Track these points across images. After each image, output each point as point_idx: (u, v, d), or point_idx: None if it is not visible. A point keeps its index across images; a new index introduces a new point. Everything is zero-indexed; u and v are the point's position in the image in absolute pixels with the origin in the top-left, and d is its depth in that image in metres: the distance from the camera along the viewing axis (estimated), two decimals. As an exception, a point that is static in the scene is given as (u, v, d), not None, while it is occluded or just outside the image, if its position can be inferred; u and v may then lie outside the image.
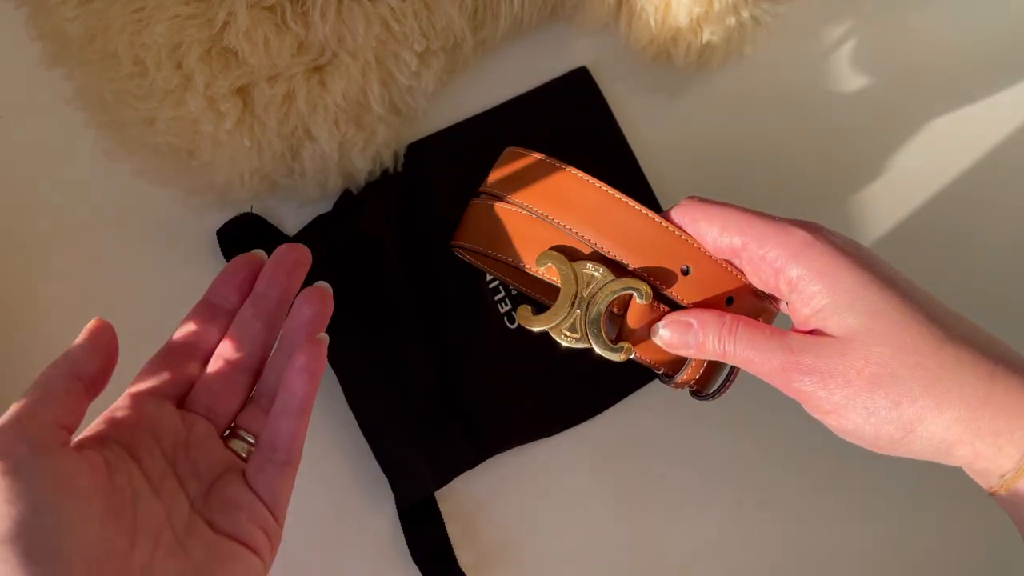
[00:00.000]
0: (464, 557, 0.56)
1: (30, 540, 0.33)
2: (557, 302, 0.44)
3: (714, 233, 0.43)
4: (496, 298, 0.59)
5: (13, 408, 0.36)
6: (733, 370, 0.48)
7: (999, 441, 0.39)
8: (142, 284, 0.59)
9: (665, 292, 0.44)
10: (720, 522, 0.59)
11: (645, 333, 0.45)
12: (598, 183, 0.45)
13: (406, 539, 0.56)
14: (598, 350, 0.45)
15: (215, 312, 0.45)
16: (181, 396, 0.44)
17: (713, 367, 0.47)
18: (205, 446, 0.43)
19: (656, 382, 0.57)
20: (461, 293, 0.59)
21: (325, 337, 0.44)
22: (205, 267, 0.59)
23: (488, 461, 0.57)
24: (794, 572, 0.59)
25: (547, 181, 0.46)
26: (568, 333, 0.45)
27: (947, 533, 0.60)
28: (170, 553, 0.38)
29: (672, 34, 0.60)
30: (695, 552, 0.59)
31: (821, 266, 0.41)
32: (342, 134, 0.56)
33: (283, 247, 0.46)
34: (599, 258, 0.45)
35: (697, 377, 0.46)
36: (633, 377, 0.59)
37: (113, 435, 0.40)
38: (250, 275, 0.46)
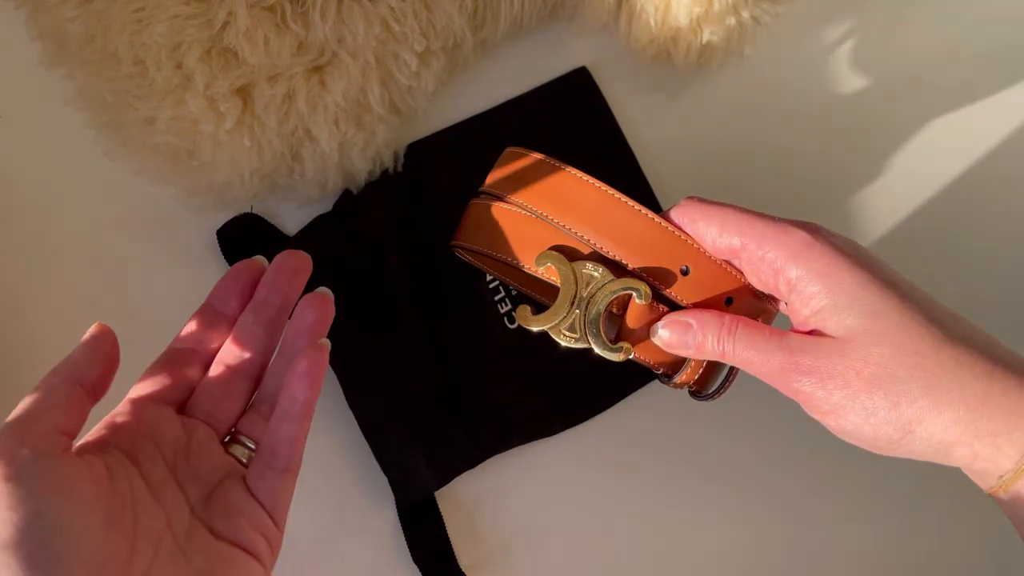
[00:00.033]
0: (464, 557, 0.56)
1: (32, 546, 0.33)
2: (556, 302, 0.44)
3: (713, 233, 0.43)
4: (496, 298, 0.59)
5: (14, 413, 0.36)
6: (732, 370, 0.48)
7: (997, 441, 0.39)
8: (142, 284, 0.59)
9: (664, 292, 0.44)
10: (719, 522, 0.59)
11: (644, 333, 0.45)
12: (598, 183, 0.45)
13: (406, 539, 0.56)
14: (597, 350, 0.45)
15: (216, 318, 0.46)
16: (182, 402, 0.44)
17: (712, 367, 0.47)
18: (206, 452, 0.43)
19: (656, 382, 0.57)
20: (461, 293, 0.59)
21: (327, 343, 0.44)
22: (205, 267, 0.59)
23: (488, 461, 0.57)
24: (793, 572, 0.59)
25: (547, 181, 0.46)
26: (567, 333, 0.45)
27: (946, 534, 0.60)
28: (171, 559, 0.38)
29: (672, 34, 0.60)
30: (695, 552, 0.59)
31: (820, 267, 0.41)
32: (342, 134, 0.56)
33: (284, 253, 0.46)
34: (598, 258, 0.45)
35: (696, 377, 0.46)
36: (633, 377, 0.59)
37: (114, 440, 0.40)
38: (251, 281, 0.46)
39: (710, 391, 0.48)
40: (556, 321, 0.45)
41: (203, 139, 0.55)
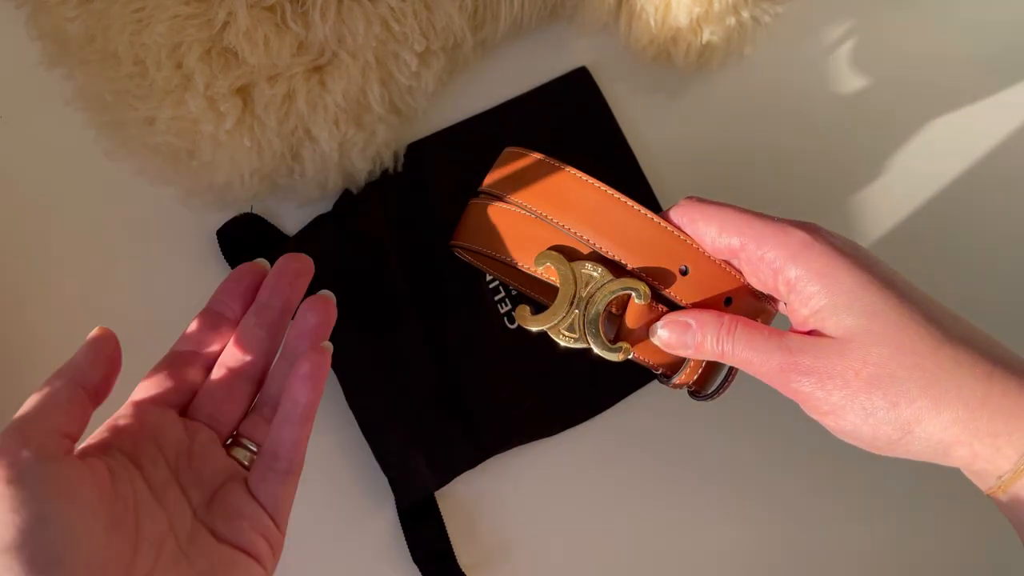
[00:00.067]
0: (464, 557, 0.56)
1: (34, 548, 0.33)
2: (555, 302, 0.44)
3: (713, 233, 0.43)
4: (496, 298, 0.59)
5: (16, 416, 0.36)
6: (731, 370, 0.48)
7: (997, 442, 0.39)
8: (142, 284, 0.59)
9: (664, 292, 0.44)
10: (719, 522, 0.59)
11: (644, 333, 0.45)
12: (597, 183, 0.45)
13: (406, 539, 0.56)
14: (596, 350, 0.45)
15: (218, 321, 0.46)
16: (184, 404, 0.44)
17: (711, 367, 0.47)
18: (208, 454, 0.43)
19: (656, 383, 0.57)
20: (461, 293, 0.59)
21: (329, 346, 0.44)
22: (205, 267, 0.59)
23: (488, 461, 0.57)
24: (792, 572, 0.59)
25: (546, 181, 0.46)
26: (566, 333, 0.45)
27: (945, 534, 0.60)
28: (173, 562, 0.38)
29: (672, 34, 0.60)
30: (694, 552, 0.59)
31: (820, 267, 0.41)
32: (342, 134, 0.56)
33: (286, 257, 0.46)
34: (598, 258, 0.45)
35: (695, 377, 0.46)
36: (632, 377, 0.59)
37: (116, 443, 0.40)
38: (253, 284, 0.46)
39: (709, 391, 0.48)
40: (555, 321, 0.45)
41: (203, 139, 0.55)
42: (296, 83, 0.55)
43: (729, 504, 0.59)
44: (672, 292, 0.44)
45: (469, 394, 0.58)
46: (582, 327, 0.44)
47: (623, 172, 0.62)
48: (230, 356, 0.45)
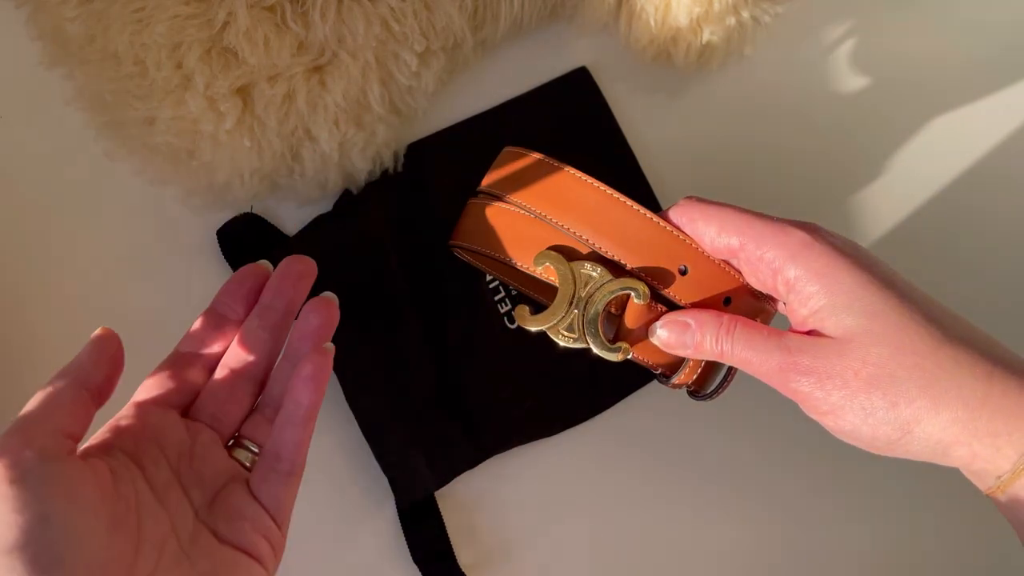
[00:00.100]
0: (464, 557, 0.56)
1: (37, 549, 0.33)
2: (555, 302, 0.44)
3: (712, 233, 0.43)
4: (496, 298, 0.59)
5: (19, 416, 0.36)
6: (731, 370, 0.48)
7: (997, 442, 0.38)
8: (142, 284, 0.59)
9: (663, 292, 0.44)
10: (719, 522, 0.59)
11: (643, 333, 0.45)
12: (596, 183, 0.45)
13: (406, 539, 0.56)
14: (596, 350, 0.45)
15: (220, 322, 0.46)
16: (186, 405, 0.44)
17: (711, 367, 0.47)
18: (210, 455, 0.43)
19: (655, 382, 0.57)
20: (461, 293, 0.59)
21: (331, 347, 0.44)
22: (205, 267, 0.59)
23: (488, 461, 0.57)
24: (792, 572, 0.59)
25: (546, 181, 0.46)
26: (566, 333, 0.45)
27: (944, 534, 0.60)
28: (175, 563, 0.38)
29: (672, 34, 0.60)
30: (694, 552, 0.59)
31: (819, 267, 0.41)
32: (342, 134, 0.56)
33: (289, 259, 0.47)
34: (597, 258, 0.45)
35: (695, 377, 0.46)
36: (632, 377, 0.59)
37: (118, 444, 0.40)
38: (256, 286, 0.47)
39: (708, 391, 0.48)
40: (554, 321, 0.45)
41: (203, 139, 0.55)
42: (296, 83, 0.55)
43: (729, 504, 0.59)
44: (671, 292, 0.44)
45: (469, 394, 0.58)
46: (581, 327, 0.44)
47: (623, 172, 0.62)
48: (233, 357, 0.45)
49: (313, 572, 0.56)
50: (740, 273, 0.45)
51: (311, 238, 0.58)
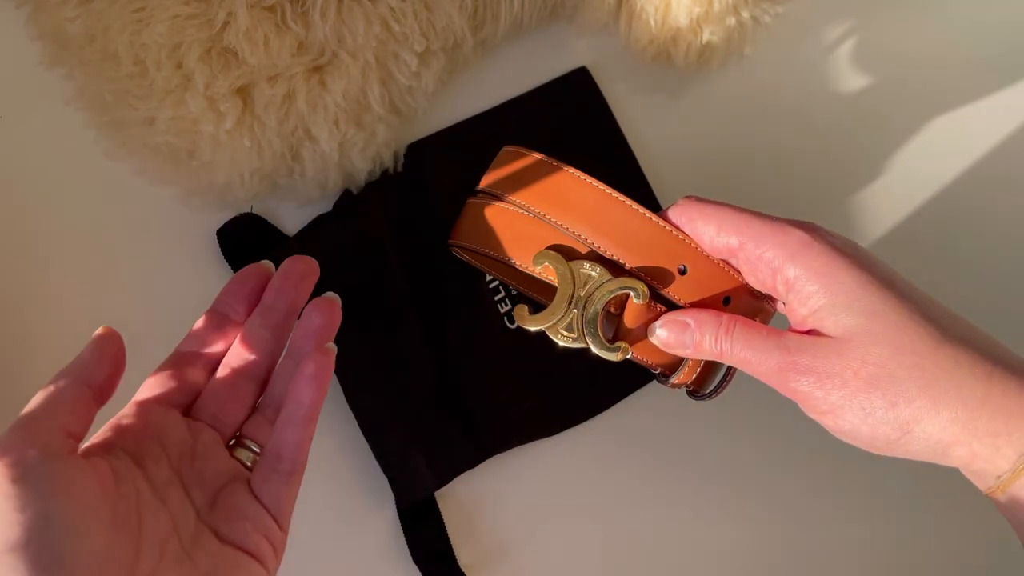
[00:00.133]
0: (464, 557, 0.56)
1: (39, 547, 0.33)
2: (554, 302, 0.44)
3: (711, 233, 0.43)
4: (496, 298, 0.59)
5: (22, 415, 0.36)
6: (730, 370, 0.48)
7: (997, 442, 0.38)
8: (142, 284, 0.59)
9: (662, 292, 0.44)
10: (719, 522, 0.59)
11: (642, 333, 0.45)
12: (596, 182, 0.45)
13: (406, 539, 0.56)
14: (595, 350, 0.45)
15: (222, 322, 0.46)
16: (187, 404, 0.44)
17: (710, 367, 0.47)
18: (211, 455, 0.43)
19: (655, 382, 0.57)
20: (461, 293, 0.59)
21: (333, 347, 0.44)
22: (205, 267, 0.59)
23: (488, 461, 0.57)
24: (792, 572, 0.59)
25: (545, 181, 0.46)
26: (565, 333, 0.45)
27: (944, 534, 0.60)
28: (176, 562, 0.38)
29: (672, 34, 0.60)
30: (694, 552, 0.59)
31: (819, 266, 0.41)
32: (342, 134, 0.56)
33: (291, 259, 0.47)
34: (596, 257, 0.45)
35: (694, 377, 0.46)
36: (632, 377, 0.59)
37: (119, 443, 0.40)
38: (258, 286, 0.47)
39: (708, 391, 0.48)
40: (554, 321, 0.45)
41: (203, 139, 0.55)
42: (296, 83, 0.55)
43: (729, 504, 0.59)
44: (671, 291, 0.44)
45: (469, 394, 0.58)
46: (580, 327, 0.44)
47: (623, 172, 0.62)
48: (234, 357, 0.45)
49: (313, 572, 0.56)
50: (739, 273, 0.45)
51: (311, 238, 0.58)
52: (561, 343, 0.45)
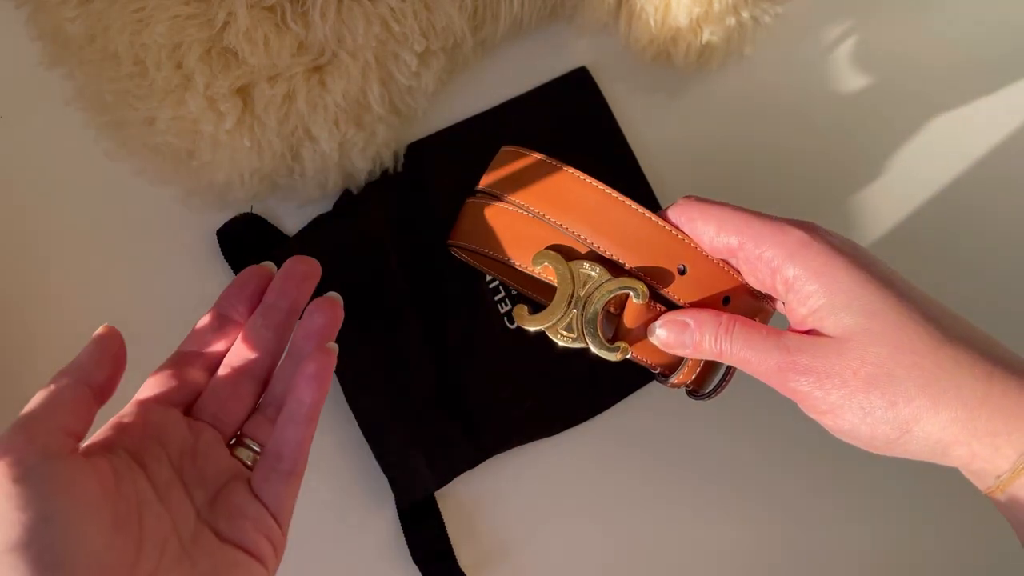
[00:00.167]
0: (464, 557, 0.56)
1: (40, 547, 0.33)
2: (553, 301, 0.44)
3: (711, 232, 0.43)
4: (496, 298, 0.59)
5: (22, 414, 0.36)
6: (729, 369, 0.48)
7: (996, 442, 0.38)
8: (142, 284, 0.59)
9: (662, 292, 0.44)
10: (719, 522, 0.59)
11: (642, 333, 0.45)
12: (595, 182, 0.45)
13: (406, 539, 0.56)
14: (594, 350, 0.45)
15: (224, 323, 0.46)
16: (188, 404, 0.44)
17: (709, 367, 0.47)
18: (211, 454, 0.43)
19: (655, 382, 0.57)
20: (461, 293, 0.59)
21: (335, 347, 0.44)
22: (205, 267, 0.59)
23: (488, 461, 0.57)
24: (792, 572, 0.59)
25: (544, 180, 0.46)
26: (564, 333, 0.45)
27: (944, 534, 0.60)
28: (176, 562, 0.38)
29: (672, 34, 0.60)
30: (693, 552, 0.59)
31: (818, 266, 0.41)
32: (342, 134, 0.56)
33: (293, 259, 0.47)
34: (596, 257, 0.45)
35: (693, 377, 0.46)
36: (632, 377, 0.59)
37: (119, 442, 0.40)
38: (259, 287, 0.47)
39: (707, 390, 0.48)
40: (553, 321, 0.45)
41: (203, 139, 0.55)
42: (296, 83, 0.55)
43: (729, 504, 0.59)
44: (670, 291, 0.44)
45: (469, 394, 0.58)
46: (580, 326, 0.44)
47: (623, 172, 0.62)
48: (235, 356, 0.45)
49: (313, 572, 0.56)
50: (739, 272, 0.45)
51: (311, 238, 0.58)
52: (561, 343, 0.45)
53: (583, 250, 0.45)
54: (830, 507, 0.60)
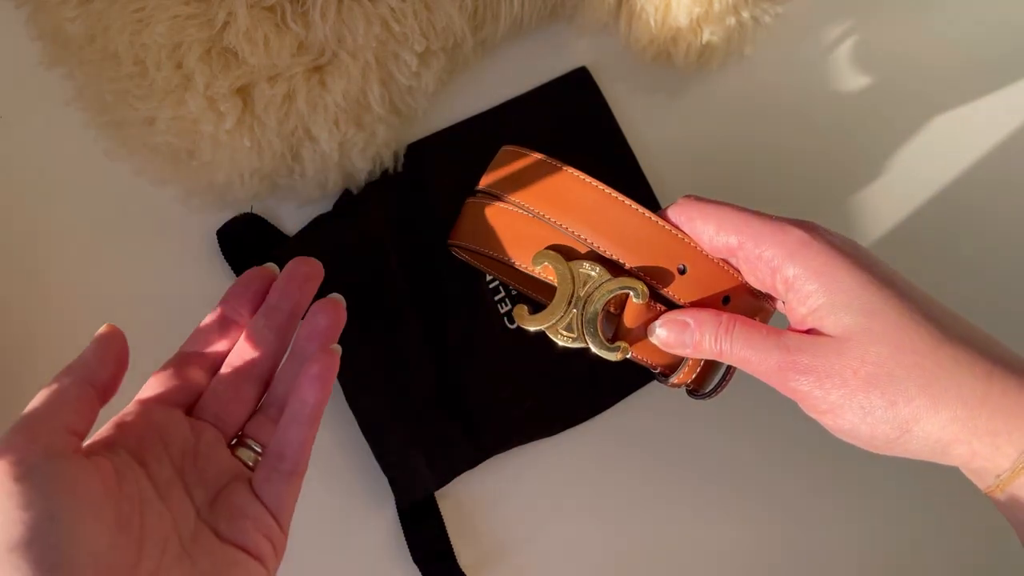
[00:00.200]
0: (464, 557, 0.56)
1: (42, 547, 0.33)
2: (553, 301, 0.44)
3: (710, 232, 0.43)
4: (496, 298, 0.59)
5: (25, 412, 0.36)
6: (730, 369, 0.48)
7: (996, 441, 0.38)
8: (142, 284, 0.59)
9: (662, 291, 0.44)
10: (719, 522, 0.59)
11: (642, 332, 0.45)
12: (595, 182, 0.45)
13: (406, 539, 0.56)
14: (594, 349, 0.45)
15: (226, 324, 0.46)
16: (190, 404, 0.44)
17: (709, 366, 0.47)
18: (213, 454, 0.43)
19: (655, 382, 0.57)
20: (461, 293, 0.59)
21: (338, 348, 0.44)
22: (205, 267, 0.59)
23: (488, 461, 0.57)
24: (792, 572, 0.59)
25: (544, 181, 0.46)
26: (564, 332, 0.45)
27: (945, 534, 0.60)
28: (176, 561, 0.38)
29: (672, 34, 0.60)
30: (694, 552, 0.59)
31: (818, 265, 0.41)
32: (342, 134, 0.56)
33: (295, 260, 0.47)
34: (596, 257, 0.45)
35: (693, 376, 0.46)
36: (632, 377, 0.59)
37: (121, 441, 0.40)
38: (261, 289, 0.47)
39: (707, 390, 0.48)
40: (553, 320, 0.45)
41: (203, 139, 0.55)
42: (296, 83, 0.55)
43: (729, 504, 0.59)
44: (670, 291, 0.44)
45: (469, 394, 0.58)
46: (580, 326, 0.44)
47: (623, 172, 0.62)
48: (237, 356, 0.45)
49: (313, 572, 0.56)
50: (739, 272, 0.45)
51: (311, 238, 0.58)
52: (561, 343, 0.45)
53: (583, 250, 0.45)
54: (830, 507, 0.60)
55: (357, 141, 0.57)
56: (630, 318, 0.45)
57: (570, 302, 0.44)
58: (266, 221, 0.59)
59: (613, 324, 0.46)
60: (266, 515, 0.41)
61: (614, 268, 0.44)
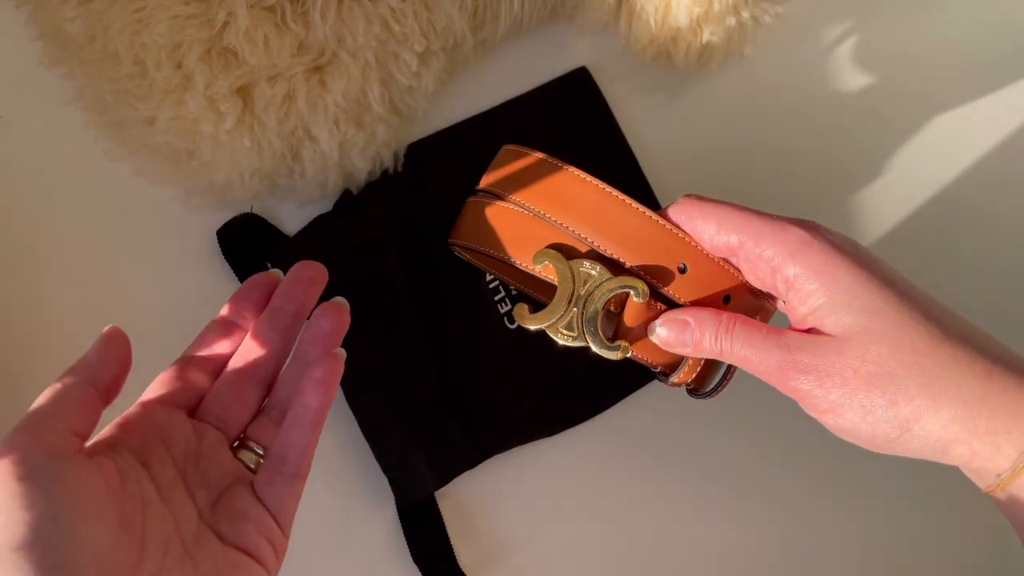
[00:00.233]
0: (464, 557, 0.56)
1: (44, 547, 0.33)
2: (554, 300, 0.44)
3: (711, 231, 0.43)
4: (496, 298, 0.59)
5: (28, 413, 0.36)
6: (730, 368, 0.48)
7: (996, 440, 0.38)
8: (142, 284, 0.59)
9: (662, 290, 0.44)
10: (719, 522, 0.59)
11: (642, 331, 0.45)
12: (596, 181, 0.45)
13: (406, 539, 0.56)
14: (595, 348, 0.45)
15: (230, 328, 0.46)
16: (193, 406, 0.44)
17: (710, 365, 0.47)
18: (215, 456, 0.43)
19: (655, 382, 0.57)
20: (461, 293, 0.59)
21: (342, 352, 0.44)
22: (205, 267, 0.59)
23: (488, 461, 0.57)
24: (792, 572, 0.59)
25: (545, 180, 0.46)
26: (565, 331, 0.45)
27: (945, 534, 0.60)
28: (178, 563, 0.38)
29: (672, 34, 0.60)
30: (694, 552, 0.59)
31: (818, 264, 0.41)
32: (342, 134, 0.56)
33: (300, 264, 0.47)
34: (596, 256, 0.45)
35: (694, 376, 0.46)
36: (632, 377, 0.59)
37: (124, 442, 0.40)
38: (265, 294, 0.47)
39: (708, 389, 0.48)
40: (554, 319, 0.45)
41: (203, 139, 0.55)
42: (296, 83, 0.55)
43: (729, 504, 0.59)
44: (671, 290, 0.44)
45: (469, 394, 0.58)
46: (580, 325, 0.44)
47: (623, 172, 0.62)
48: (241, 359, 0.45)
49: (313, 572, 0.56)
50: (739, 271, 0.45)
51: (311, 238, 0.58)
52: (561, 342, 0.45)
53: (583, 249, 0.45)
54: (830, 507, 0.60)
55: (357, 141, 0.57)
56: (630, 317, 0.45)
57: (570, 301, 0.44)
58: (266, 221, 0.59)
59: (613, 323, 0.46)
60: (267, 518, 0.41)
61: (614, 267, 0.44)
